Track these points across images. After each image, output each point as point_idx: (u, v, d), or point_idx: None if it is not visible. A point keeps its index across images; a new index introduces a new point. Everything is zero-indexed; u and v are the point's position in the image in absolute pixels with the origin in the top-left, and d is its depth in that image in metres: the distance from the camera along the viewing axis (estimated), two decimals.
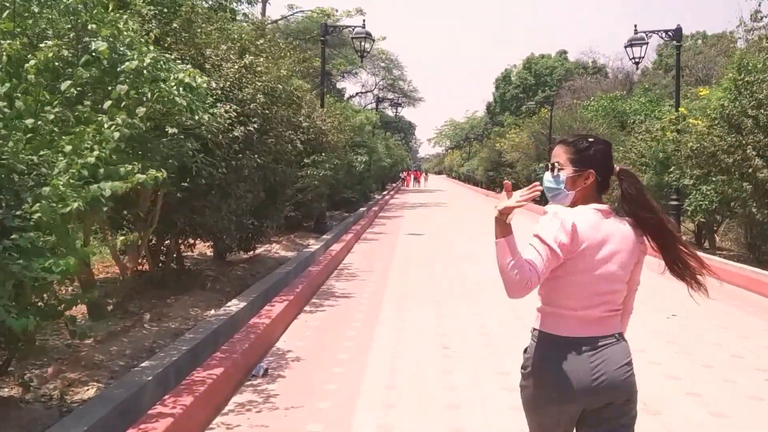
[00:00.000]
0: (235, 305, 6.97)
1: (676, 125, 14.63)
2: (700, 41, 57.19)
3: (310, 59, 16.88)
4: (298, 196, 14.58)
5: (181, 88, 4.98)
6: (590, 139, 2.57)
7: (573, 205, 2.51)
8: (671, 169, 14.49)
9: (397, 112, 47.16)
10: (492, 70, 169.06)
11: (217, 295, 8.18)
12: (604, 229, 2.44)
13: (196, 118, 5.37)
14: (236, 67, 7.61)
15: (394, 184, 61.00)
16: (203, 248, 11.11)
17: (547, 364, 2.41)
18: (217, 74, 7.56)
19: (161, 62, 5.12)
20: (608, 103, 35.62)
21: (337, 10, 28.91)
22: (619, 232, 2.46)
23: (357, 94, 48.11)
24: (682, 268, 2.53)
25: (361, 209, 23.51)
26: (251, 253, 10.94)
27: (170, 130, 5.38)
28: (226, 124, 7.13)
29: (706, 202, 13.26)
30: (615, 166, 2.58)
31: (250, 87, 7.70)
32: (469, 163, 65.55)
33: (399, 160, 56.58)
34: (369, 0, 37.04)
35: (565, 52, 71.15)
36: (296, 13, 28.76)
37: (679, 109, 14.94)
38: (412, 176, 70.05)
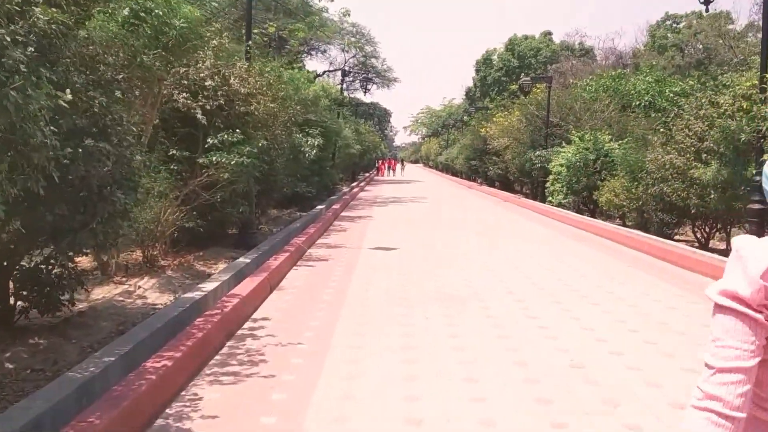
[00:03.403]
0: None
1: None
2: (695, 21, 53.01)
3: None
4: (202, 196, 9.50)
5: None
6: None
7: None
8: (765, 158, 9.66)
9: (366, 89, 41.88)
10: (470, 55, 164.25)
11: None
12: None
13: None
14: None
15: (367, 174, 55.99)
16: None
17: None
18: None
19: None
20: (611, 83, 30.97)
21: None
22: None
23: (324, 72, 42.73)
24: None
25: (318, 207, 18.45)
26: (63, 311, 5.79)
27: None
28: None
29: None
30: None
31: None
32: (447, 152, 60.76)
33: (372, 148, 51.54)
34: None
35: (549, 33, 66.88)
36: None
37: None
38: (387, 165, 65.30)
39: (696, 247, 12.81)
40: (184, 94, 8.90)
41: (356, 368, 5.16)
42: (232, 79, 9.75)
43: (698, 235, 14.21)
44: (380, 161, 66.90)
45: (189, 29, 7.37)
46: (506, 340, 6.00)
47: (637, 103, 28.04)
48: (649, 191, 14.02)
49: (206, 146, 9.29)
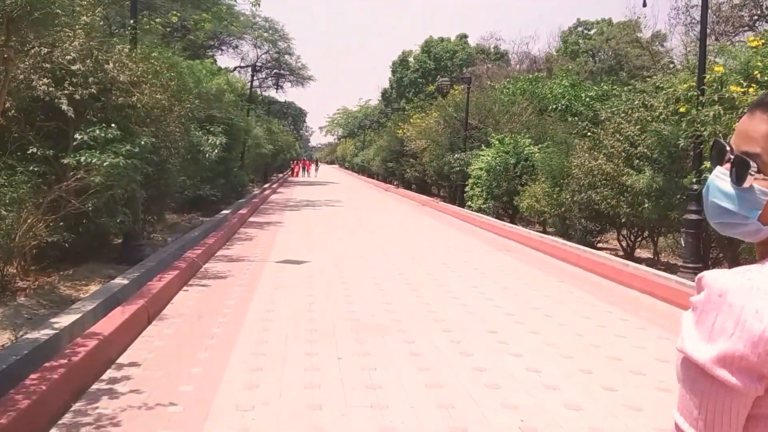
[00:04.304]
0: None
1: (713, 93, 9.05)
2: (606, 28, 54.39)
3: None
4: (70, 203, 7.90)
5: None
6: None
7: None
8: (705, 165, 8.96)
9: (279, 86, 40.14)
10: (386, 57, 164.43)
11: None
12: None
13: None
14: None
15: (281, 175, 54.26)
16: None
17: None
18: None
19: None
20: (528, 86, 30.75)
21: None
22: None
23: (236, 68, 40.68)
24: None
25: (223, 212, 16.90)
26: None
27: None
28: None
29: None
30: None
31: None
32: (364, 153, 59.75)
33: (285, 148, 49.88)
34: None
35: (465, 36, 67.19)
36: None
37: (716, 68, 9.36)
38: (301, 166, 63.84)
39: (620, 256, 12.20)
40: (45, 79, 7.29)
41: None
42: (110, 64, 8.18)
43: (623, 244, 13.62)
44: (294, 162, 65.24)
45: None
46: (438, 391, 4.81)
47: (554, 107, 27.87)
48: (576, 198, 13.29)
49: (76, 144, 7.71)
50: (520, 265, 11.52)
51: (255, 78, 40.35)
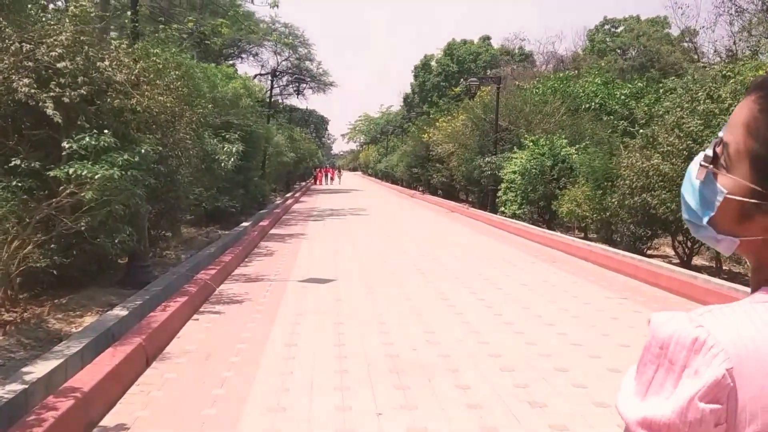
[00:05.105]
0: None
1: None
2: (634, 25, 52.99)
3: None
4: (62, 222, 6.86)
5: None
6: None
7: (757, 269, 0.88)
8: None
9: (299, 91, 39.23)
10: (406, 63, 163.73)
11: None
12: None
13: None
14: None
15: (303, 184, 53.36)
16: None
17: None
18: None
19: None
20: (559, 84, 29.48)
21: None
22: None
23: (256, 76, 39.91)
24: None
25: (243, 225, 15.85)
26: None
27: None
28: None
29: None
30: None
31: None
32: (387, 159, 58.66)
33: (308, 155, 48.97)
34: None
35: (488, 38, 66.06)
36: None
37: None
38: (325, 173, 63.14)
39: (675, 264, 11.00)
40: (26, 80, 6.26)
41: None
42: (106, 61, 7.14)
43: (679, 251, 12.34)
44: (317, 170, 64.50)
45: None
46: None
47: (587, 105, 26.62)
48: (627, 202, 12.05)
49: (66, 154, 6.68)
50: (571, 278, 10.30)
51: (276, 85, 39.55)
